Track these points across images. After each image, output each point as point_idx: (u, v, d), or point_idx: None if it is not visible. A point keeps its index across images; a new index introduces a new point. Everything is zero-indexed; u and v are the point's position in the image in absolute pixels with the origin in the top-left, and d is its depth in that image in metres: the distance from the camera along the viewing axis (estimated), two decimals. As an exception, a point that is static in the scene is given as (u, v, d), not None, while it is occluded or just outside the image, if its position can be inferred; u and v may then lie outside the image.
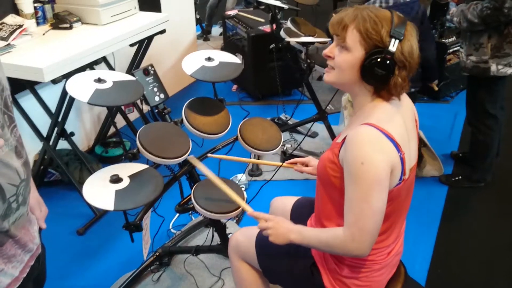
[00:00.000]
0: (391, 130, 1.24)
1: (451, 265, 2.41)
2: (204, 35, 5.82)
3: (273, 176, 2.82)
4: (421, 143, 3.33)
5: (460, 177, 3.01)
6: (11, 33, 2.53)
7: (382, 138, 1.22)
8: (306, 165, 1.76)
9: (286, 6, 3.19)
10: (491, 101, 2.73)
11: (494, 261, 2.43)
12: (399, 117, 1.32)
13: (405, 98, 1.39)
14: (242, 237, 1.70)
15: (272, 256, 1.59)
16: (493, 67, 2.56)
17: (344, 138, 1.29)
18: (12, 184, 1.01)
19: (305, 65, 3.06)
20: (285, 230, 1.39)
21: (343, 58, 1.28)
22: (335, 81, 1.33)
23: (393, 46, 1.21)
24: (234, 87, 4.48)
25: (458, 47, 4.13)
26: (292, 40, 3.00)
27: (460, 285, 2.30)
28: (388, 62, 1.22)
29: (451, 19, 2.64)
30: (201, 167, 1.72)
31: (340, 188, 1.30)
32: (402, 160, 1.26)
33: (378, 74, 1.23)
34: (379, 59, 1.22)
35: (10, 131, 1.03)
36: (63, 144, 2.87)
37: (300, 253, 1.52)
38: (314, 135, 3.64)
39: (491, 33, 2.53)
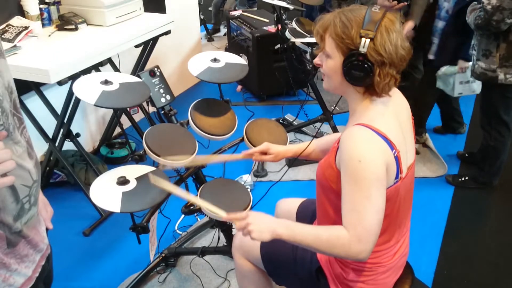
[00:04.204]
0: (383, 128, 1.24)
1: (458, 266, 2.40)
2: (209, 35, 5.82)
3: (281, 178, 2.81)
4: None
5: (467, 178, 3.00)
6: (17, 34, 2.54)
7: (375, 137, 1.22)
8: (265, 153, 1.69)
9: (291, 7, 3.19)
10: (504, 108, 2.69)
11: (501, 262, 2.42)
12: (392, 116, 1.31)
13: (399, 96, 1.39)
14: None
15: (277, 260, 1.58)
16: (501, 76, 2.53)
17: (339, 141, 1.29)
18: (25, 185, 1.02)
19: (310, 65, 3.05)
20: (270, 223, 1.28)
21: (327, 65, 1.30)
22: (328, 87, 1.36)
23: (364, 46, 1.20)
24: (239, 87, 4.47)
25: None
26: (297, 41, 3.00)
27: (467, 287, 2.28)
28: (361, 63, 1.21)
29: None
30: (166, 186, 1.50)
31: (339, 193, 1.28)
32: (397, 158, 1.25)
33: (357, 76, 1.24)
34: (354, 62, 1.22)
35: (20, 132, 1.04)
36: (68, 145, 2.88)
37: (306, 257, 1.50)
38: (319, 136, 3.63)
39: (500, 43, 2.51)
